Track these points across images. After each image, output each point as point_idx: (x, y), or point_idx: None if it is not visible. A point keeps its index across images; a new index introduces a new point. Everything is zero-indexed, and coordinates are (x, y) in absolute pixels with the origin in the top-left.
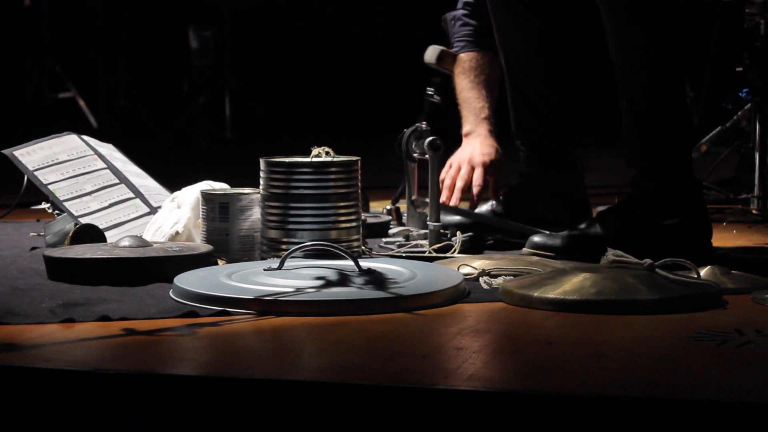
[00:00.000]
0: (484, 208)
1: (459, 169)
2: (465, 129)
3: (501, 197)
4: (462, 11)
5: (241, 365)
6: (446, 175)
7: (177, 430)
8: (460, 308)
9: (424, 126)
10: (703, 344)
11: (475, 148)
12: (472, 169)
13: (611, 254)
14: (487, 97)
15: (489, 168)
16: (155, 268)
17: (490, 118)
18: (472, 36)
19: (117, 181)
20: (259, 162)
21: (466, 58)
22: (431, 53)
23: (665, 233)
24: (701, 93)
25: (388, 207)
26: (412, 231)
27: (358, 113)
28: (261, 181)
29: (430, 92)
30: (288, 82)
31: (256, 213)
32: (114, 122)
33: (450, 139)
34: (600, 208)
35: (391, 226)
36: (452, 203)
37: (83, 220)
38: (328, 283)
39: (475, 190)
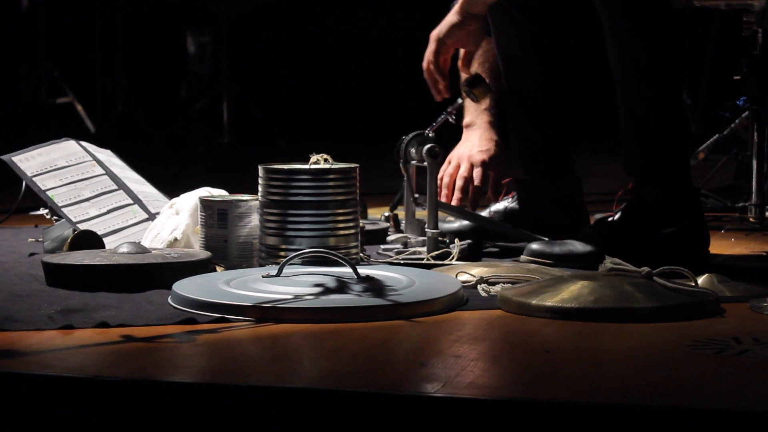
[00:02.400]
0: (481, 214)
1: (458, 167)
2: (466, 120)
3: (502, 197)
4: None
5: (239, 372)
6: (445, 172)
7: None
8: (458, 316)
9: (429, 134)
10: (700, 352)
11: (474, 144)
12: (472, 166)
13: (609, 262)
14: (490, 86)
15: (489, 164)
16: (154, 274)
17: (491, 108)
18: None
19: (115, 187)
20: (257, 168)
21: None
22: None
23: (663, 241)
24: (699, 101)
25: (387, 214)
26: (410, 238)
27: (357, 119)
28: (259, 188)
29: (450, 111)
30: (286, 88)
31: (254, 220)
32: (111, 127)
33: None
34: (598, 215)
35: (389, 233)
36: (452, 203)
37: (82, 226)
38: (327, 291)
39: (473, 188)
